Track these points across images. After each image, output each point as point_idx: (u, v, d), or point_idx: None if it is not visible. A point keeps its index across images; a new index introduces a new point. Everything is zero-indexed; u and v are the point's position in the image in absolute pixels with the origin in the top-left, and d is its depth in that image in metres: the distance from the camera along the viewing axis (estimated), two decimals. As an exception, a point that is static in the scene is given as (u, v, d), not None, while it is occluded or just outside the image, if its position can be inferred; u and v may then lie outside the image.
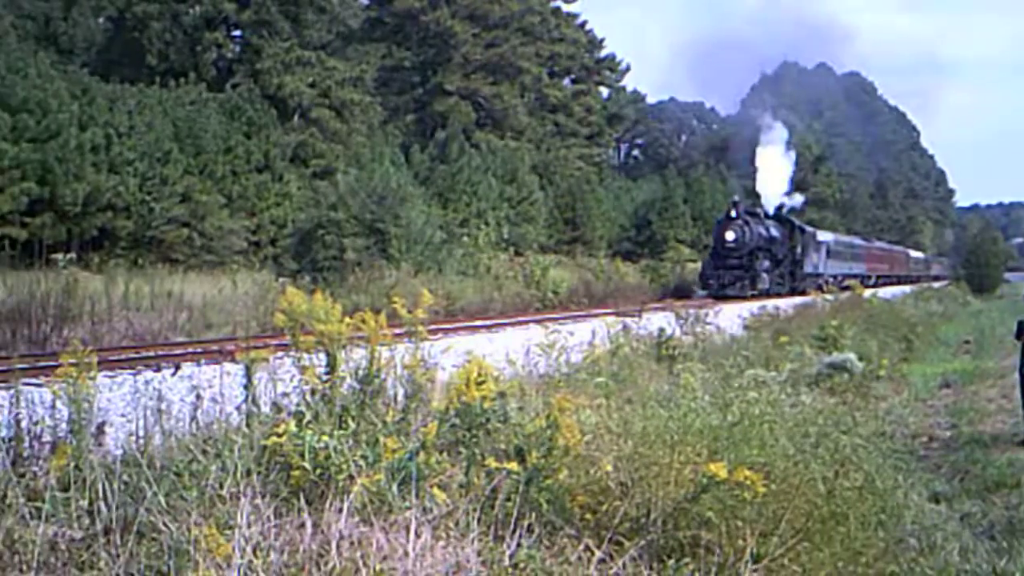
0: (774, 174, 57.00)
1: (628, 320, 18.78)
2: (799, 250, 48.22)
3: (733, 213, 42.67)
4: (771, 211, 50.77)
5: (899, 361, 21.15)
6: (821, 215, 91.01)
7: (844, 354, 16.78)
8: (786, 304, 30.84)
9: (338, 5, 59.24)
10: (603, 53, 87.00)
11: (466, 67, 67.46)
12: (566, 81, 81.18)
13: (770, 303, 31.03)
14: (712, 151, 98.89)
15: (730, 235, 41.76)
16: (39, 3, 58.07)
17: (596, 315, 23.38)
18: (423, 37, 67.45)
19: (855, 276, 57.49)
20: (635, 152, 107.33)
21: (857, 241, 71.50)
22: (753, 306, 29.76)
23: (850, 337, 19.93)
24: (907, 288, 61.48)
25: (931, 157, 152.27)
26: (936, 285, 72.87)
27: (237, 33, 57.99)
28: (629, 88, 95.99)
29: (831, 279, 51.64)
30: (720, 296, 38.44)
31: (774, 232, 45.48)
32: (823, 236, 56.02)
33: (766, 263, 42.87)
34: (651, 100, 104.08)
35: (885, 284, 66.94)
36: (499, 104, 68.07)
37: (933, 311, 40.53)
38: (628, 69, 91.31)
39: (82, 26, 58.24)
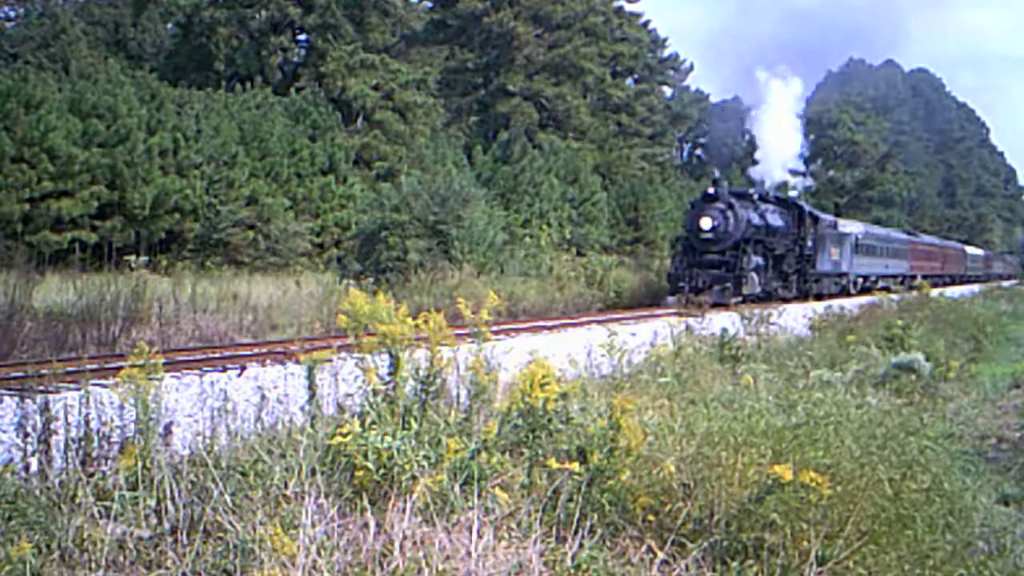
0: (778, 144, 45.22)
1: (691, 320, 18.67)
2: (810, 244, 37.38)
3: (712, 193, 31.91)
4: (773, 193, 40.38)
5: (968, 361, 20.82)
6: (888, 213, 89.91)
7: (911, 354, 16.55)
8: (852, 304, 30.52)
9: (402, 8, 59.58)
10: (666, 52, 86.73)
11: (529, 68, 67.47)
12: (629, 81, 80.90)
13: (835, 303, 30.72)
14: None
15: (707, 222, 30.77)
16: (109, 10, 59.05)
17: (658, 315, 23.28)
18: (486, 39, 67.57)
19: (894, 276, 52.15)
20: (698, 151, 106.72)
21: (896, 234, 60.09)
22: (818, 306, 29.47)
23: (917, 337, 19.68)
24: (964, 290, 55.92)
25: (1000, 154, 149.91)
26: (1005, 285, 71.65)
27: (302, 37, 58.55)
28: (692, 87, 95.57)
29: (860, 280, 45.60)
30: (694, 304, 28.17)
31: (774, 220, 34.71)
32: (848, 227, 45.87)
33: (758, 259, 32.10)
34: (715, 99, 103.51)
35: (934, 287, 53.57)
36: (562, 105, 67.99)
37: (1003, 310, 39.87)
38: (691, 68, 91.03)
39: (151, 32, 59.16)
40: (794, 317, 23.56)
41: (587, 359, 12.37)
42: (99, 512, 5.91)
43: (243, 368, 10.42)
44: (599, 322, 20.02)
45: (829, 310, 27.19)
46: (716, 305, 28.28)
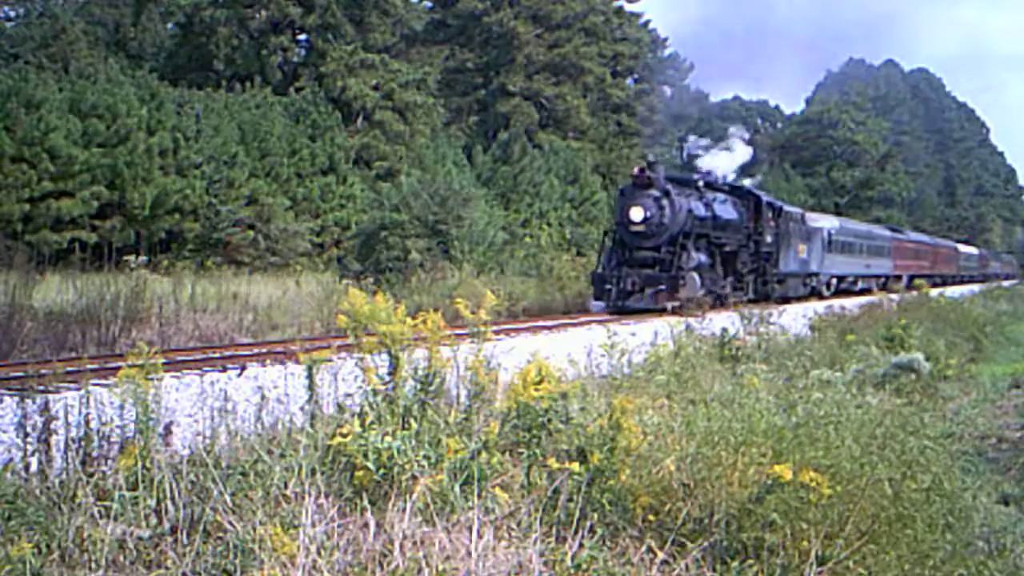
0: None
1: (691, 320, 18.67)
2: (770, 239, 31.52)
3: (644, 176, 25.81)
4: (724, 180, 34.40)
5: (968, 361, 20.84)
6: (888, 213, 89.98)
7: (911, 354, 16.57)
8: (852, 303, 30.51)
9: (402, 8, 59.53)
10: (666, 52, 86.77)
11: (529, 68, 67.45)
12: (629, 81, 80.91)
13: (836, 302, 30.68)
14: (776, 149, 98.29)
15: (638, 213, 25.32)
16: (109, 10, 59.06)
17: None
18: (486, 38, 67.58)
19: (876, 277, 48.42)
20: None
21: (878, 231, 54.29)
22: (819, 305, 29.46)
23: (917, 337, 19.70)
24: (963, 290, 52.66)
25: (1000, 154, 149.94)
26: (1005, 284, 71.58)
27: (302, 37, 58.50)
28: (692, 87, 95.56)
29: (833, 281, 41.17)
30: (623, 311, 24.39)
31: (724, 211, 29.05)
32: (820, 221, 41.05)
33: (701, 257, 26.68)
34: (714, 99, 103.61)
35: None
36: (562, 104, 67.99)
37: (1002, 310, 39.90)
38: (692, 68, 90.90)
39: (151, 32, 59.17)
40: (794, 317, 23.56)
41: (587, 359, 12.38)
42: (99, 512, 5.91)
43: (243, 368, 10.42)
44: (599, 322, 19.94)
45: (830, 310, 27.21)
46: (648, 311, 23.59)
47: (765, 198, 32.18)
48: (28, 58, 49.09)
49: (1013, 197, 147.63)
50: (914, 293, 35.19)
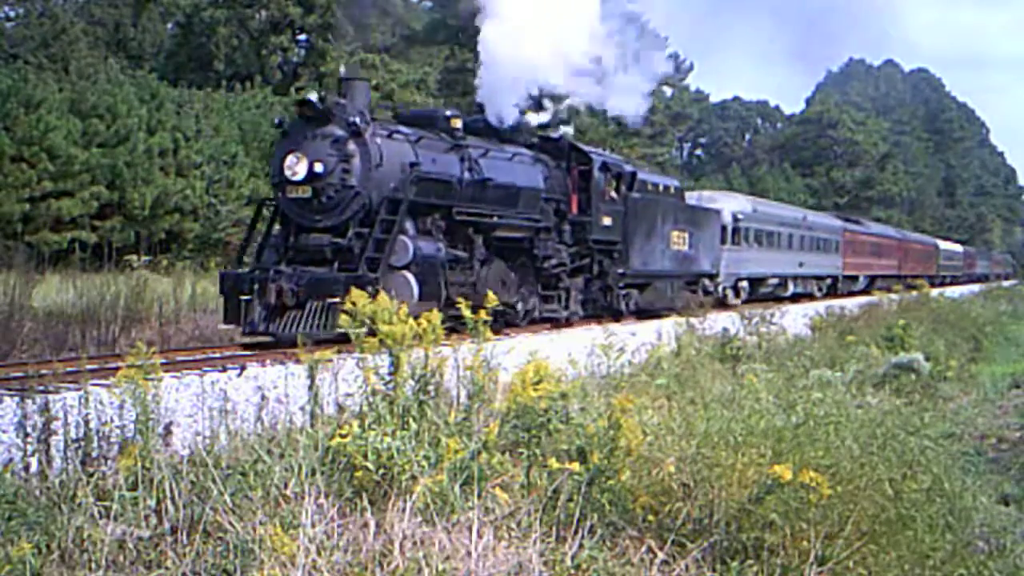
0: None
1: (693, 320, 18.65)
2: (609, 222, 20.23)
3: (315, 104, 14.75)
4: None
5: (968, 361, 20.84)
6: (888, 213, 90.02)
7: (911, 354, 16.58)
8: (852, 303, 30.44)
9: (401, 8, 59.53)
10: (666, 52, 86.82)
11: (528, 68, 67.42)
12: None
13: (836, 302, 30.54)
14: (776, 149, 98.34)
15: (300, 166, 14.32)
16: (109, 10, 59.05)
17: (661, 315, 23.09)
18: (486, 38, 67.59)
19: (818, 279, 39.06)
20: (698, 151, 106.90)
21: (820, 219, 43.08)
22: (819, 305, 29.43)
23: (917, 337, 19.70)
24: (957, 292, 45.82)
25: (1000, 154, 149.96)
26: (1005, 284, 71.45)
27: (302, 37, 58.54)
28: (692, 87, 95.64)
29: (745, 284, 30.57)
30: (277, 343, 13.80)
31: (506, 173, 17.55)
32: (721, 201, 31.08)
33: (432, 247, 15.17)
34: (714, 99, 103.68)
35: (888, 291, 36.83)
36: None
37: (1002, 310, 39.90)
38: (691, 68, 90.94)
39: (151, 32, 59.18)
40: (794, 317, 23.56)
41: (587, 359, 12.38)
42: (99, 512, 5.91)
43: (243, 368, 10.40)
44: (599, 322, 19.73)
45: (830, 309, 27.22)
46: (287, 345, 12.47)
47: (600, 157, 20.77)
48: (28, 58, 49.08)
49: (1013, 197, 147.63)
50: (914, 293, 34.73)
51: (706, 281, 26.27)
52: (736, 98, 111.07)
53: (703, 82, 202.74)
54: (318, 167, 14.19)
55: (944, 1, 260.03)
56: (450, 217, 15.78)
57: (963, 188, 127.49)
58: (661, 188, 23.79)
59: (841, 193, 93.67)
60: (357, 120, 14.42)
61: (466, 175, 16.31)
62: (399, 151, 15.02)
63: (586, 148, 20.80)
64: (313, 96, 15.06)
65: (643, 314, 21.57)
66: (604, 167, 20.36)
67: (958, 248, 75.75)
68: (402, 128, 15.63)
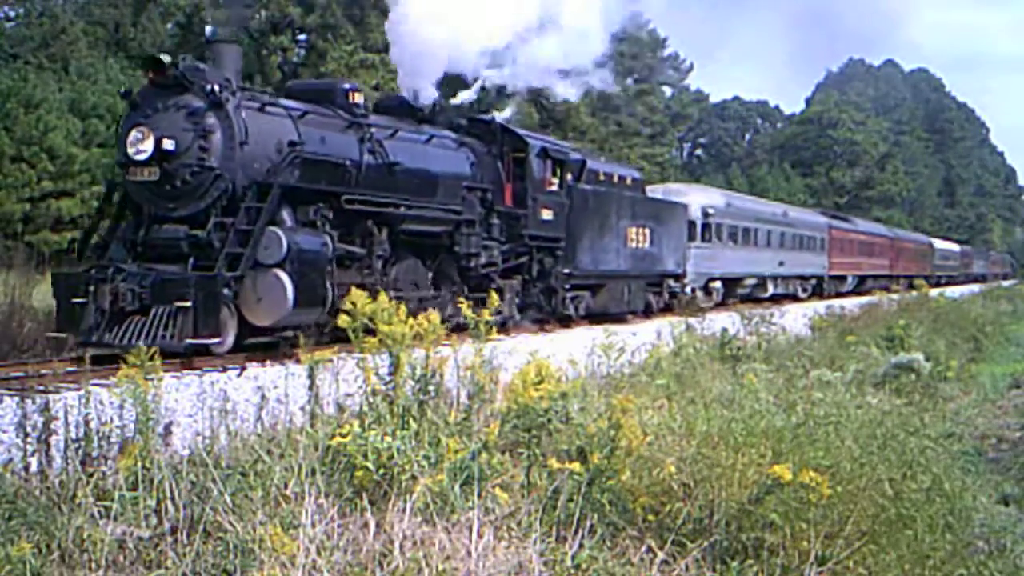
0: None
1: (692, 320, 18.64)
2: (549, 216, 18.27)
3: (168, 68, 12.24)
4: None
5: (968, 361, 20.83)
6: (888, 213, 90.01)
7: (911, 354, 16.57)
8: (852, 303, 30.45)
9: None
10: (666, 52, 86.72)
11: (528, 68, 67.42)
12: (629, 80, 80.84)
13: (836, 301, 30.59)
14: (776, 149, 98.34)
15: (146, 141, 11.91)
16: (109, 10, 59.02)
17: (661, 315, 23.05)
18: (485, 38, 67.58)
19: (801, 279, 36.86)
20: (698, 151, 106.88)
21: (804, 215, 41.26)
22: (819, 305, 29.42)
23: (917, 337, 19.70)
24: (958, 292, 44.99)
25: (1000, 154, 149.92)
26: (1005, 284, 71.43)
27: (302, 37, 58.51)
28: (693, 87, 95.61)
29: (717, 285, 28.54)
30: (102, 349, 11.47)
31: (419, 158, 15.29)
32: (690, 194, 29.08)
33: (313, 240, 12.54)
34: (715, 99, 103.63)
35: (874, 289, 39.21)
36: (562, 105, 68.02)
37: (1003, 310, 39.89)
38: (691, 68, 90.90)
39: (151, 32, 59.08)
40: (794, 317, 23.56)
41: (587, 359, 12.37)
42: (99, 512, 5.91)
43: (243, 368, 10.40)
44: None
45: (830, 309, 27.23)
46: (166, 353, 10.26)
47: (538, 141, 18.57)
48: (28, 58, 49.04)
49: (1013, 197, 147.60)
50: (914, 293, 34.69)
51: (671, 282, 24.37)
52: (736, 98, 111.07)
53: (703, 82, 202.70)
54: (167, 144, 11.85)
55: (944, 1, 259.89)
56: (341, 206, 13.28)
57: (963, 188, 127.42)
58: (616, 179, 21.64)
59: (841, 193, 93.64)
60: (217, 88, 12.04)
61: (366, 158, 14.02)
62: (274, 127, 12.80)
63: (521, 132, 18.41)
64: (166, 58, 12.42)
65: (599, 318, 19.51)
66: (543, 153, 18.23)
67: (954, 247, 73.34)
68: (282, 101, 13.60)
